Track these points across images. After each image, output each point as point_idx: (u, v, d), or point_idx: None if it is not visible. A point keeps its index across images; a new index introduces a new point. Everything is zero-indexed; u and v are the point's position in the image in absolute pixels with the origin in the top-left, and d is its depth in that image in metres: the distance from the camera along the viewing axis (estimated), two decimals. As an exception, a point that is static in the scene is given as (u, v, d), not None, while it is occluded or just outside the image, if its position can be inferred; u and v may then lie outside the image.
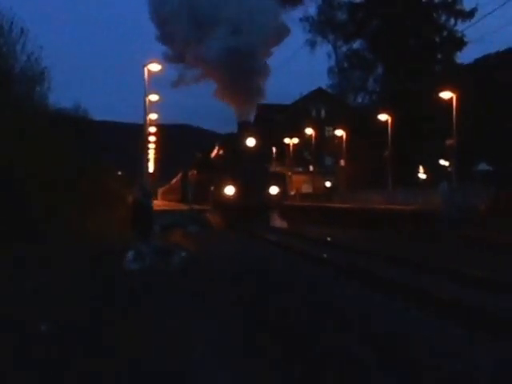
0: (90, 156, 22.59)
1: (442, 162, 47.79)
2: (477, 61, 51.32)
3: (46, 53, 16.78)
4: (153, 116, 39.56)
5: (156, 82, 34.75)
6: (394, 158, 38.96)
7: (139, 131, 36.53)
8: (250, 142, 27.27)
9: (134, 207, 16.09)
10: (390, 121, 39.45)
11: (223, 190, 26.44)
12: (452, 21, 44.83)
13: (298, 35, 42.25)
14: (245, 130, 28.80)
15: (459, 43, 44.53)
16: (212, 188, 27.83)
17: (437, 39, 46.07)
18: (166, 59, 33.34)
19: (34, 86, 17.02)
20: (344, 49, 47.31)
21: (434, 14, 45.25)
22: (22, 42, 16.12)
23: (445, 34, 45.79)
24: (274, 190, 27.35)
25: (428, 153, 45.03)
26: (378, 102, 46.08)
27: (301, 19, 44.65)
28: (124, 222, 21.37)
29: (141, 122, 36.09)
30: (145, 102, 33.13)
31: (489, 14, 28.99)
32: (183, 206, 36.12)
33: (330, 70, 49.35)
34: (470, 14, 43.06)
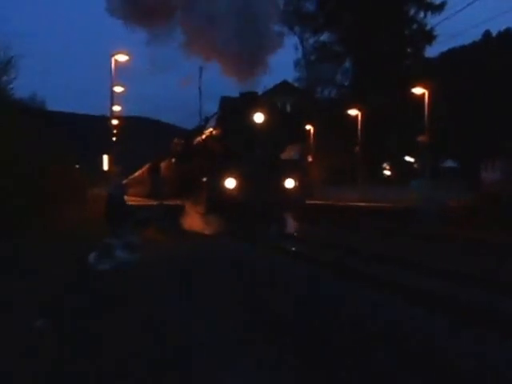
0: (50, 149, 21.92)
1: (407, 159, 47.93)
2: (442, 55, 51.70)
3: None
4: (116, 108, 38.40)
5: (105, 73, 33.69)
6: (365, 154, 38.76)
7: (98, 123, 35.73)
8: (259, 117, 20.00)
9: (109, 203, 15.57)
10: (359, 116, 39.03)
11: (221, 183, 19.16)
12: (422, 14, 45.06)
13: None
14: (251, 102, 20.89)
15: (429, 37, 44.69)
16: (204, 180, 20.46)
17: (406, 32, 46.15)
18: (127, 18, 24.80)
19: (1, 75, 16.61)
20: (311, 41, 46.86)
21: (404, 7, 45.38)
22: None
23: (414, 27, 45.88)
24: (290, 183, 19.97)
25: (395, 149, 45.09)
26: (346, 96, 45.85)
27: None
28: (87, 216, 21.38)
29: (97, 113, 35.36)
30: (112, 92, 32.50)
31: (460, 10, 28.59)
32: (153, 202, 31.75)
33: (297, 63, 48.84)
34: (440, 7, 43.40)
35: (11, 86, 18.16)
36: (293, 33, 46.56)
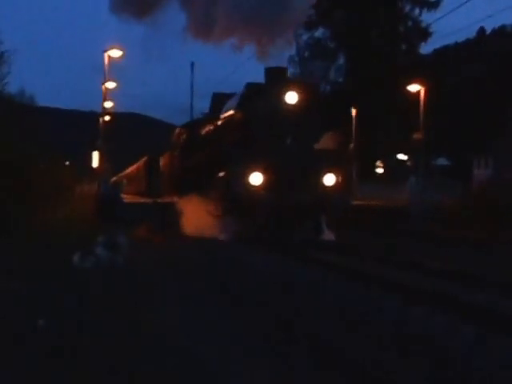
0: (38, 145, 21.72)
1: (400, 157, 47.82)
2: (436, 51, 51.74)
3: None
4: (108, 104, 38.13)
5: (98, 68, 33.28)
6: (359, 152, 38.61)
7: (91, 120, 35.45)
8: (291, 97, 16.06)
9: (100, 201, 15.24)
10: (354, 112, 38.77)
11: (243, 178, 15.51)
12: (417, 11, 45.16)
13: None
14: (281, 79, 17.33)
15: (424, 34, 44.80)
16: (220, 176, 16.64)
17: (401, 29, 46.25)
18: None
19: None
20: (305, 37, 46.70)
21: (399, 4, 45.53)
22: None
23: (409, 23, 45.92)
24: (330, 179, 16.12)
25: (389, 147, 45.05)
26: (339, 93, 45.79)
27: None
28: (75, 215, 21.12)
29: (86, 109, 35.22)
30: (104, 89, 32.29)
31: (457, 8, 28.20)
32: (149, 199, 30.06)
33: (291, 59, 48.56)
34: (435, 4, 43.50)
35: (5, 81, 18.06)
36: (286, 29, 46.49)
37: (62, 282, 9.39)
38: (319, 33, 46.95)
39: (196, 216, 18.54)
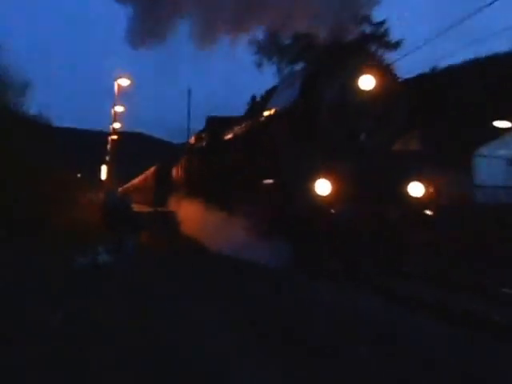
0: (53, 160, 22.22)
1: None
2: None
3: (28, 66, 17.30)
4: (116, 125, 38.90)
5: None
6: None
7: (99, 138, 36.09)
8: (367, 82, 11.28)
9: (109, 207, 15.68)
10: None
11: (305, 187, 10.58)
12: (382, 51, 45.67)
13: (245, 56, 42.14)
14: (354, 56, 11.82)
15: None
16: (268, 183, 11.75)
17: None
18: None
19: (20, 95, 17.20)
20: (287, 70, 47.44)
21: (367, 44, 46.13)
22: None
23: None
24: (416, 189, 11.19)
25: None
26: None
27: (249, 42, 44.47)
28: (84, 221, 21.48)
29: (97, 129, 35.75)
30: (114, 112, 33.10)
31: (417, 48, 28.85)
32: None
33: (273, 90, 49.49)
34: (396, 45, 43.85)
35: (27, 105, 18.82)
36: (272, 62, 47.08)
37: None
38: (299, 66, 47.57)
39: (224, 231, 13.80)
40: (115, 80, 32.51)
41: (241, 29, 15.78)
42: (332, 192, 10.50)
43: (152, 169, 40.76)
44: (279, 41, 45.26)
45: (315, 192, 10.48)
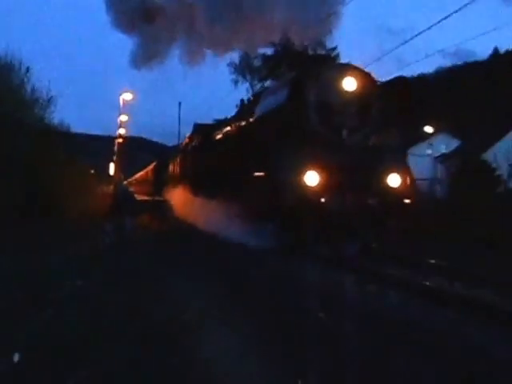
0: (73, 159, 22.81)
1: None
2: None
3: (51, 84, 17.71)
4: (121, 130, 39.80)
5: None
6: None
7: (108, 142, 37.01)
8: (350, 84, 10.79)
9: (119, 196, 16.25)
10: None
11: (295, 179, 10.02)
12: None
13: (225, 75, 43.35)
14: (338, 64, 12.90)
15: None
16: (259, 175, 11.19)
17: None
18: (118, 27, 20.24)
19: (44, 110, 17.75)
20: (258, 86, 48.55)
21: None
22: (29, 76, 16.64)
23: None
24: (394, 179, 10.63)
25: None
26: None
27: (227, 64, 45.87)
28: (100, 206, 22.31)
29: (106, 134, 36.34)
30: (119, 121, 34.00)
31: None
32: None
33: (248, 101, 50.29)
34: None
35: (52, 117, 19.39)
36: (245, 80, 48.17)
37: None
38: (268, 83, 48.62)
39: (215, 215, 13.50)
40: (120, 95, 33.40)
41: (222, 48, 16.41)
42: (320, 183, 9.84)
43: (151, 165, 41.28)
44: (251, 63, 46.67)
45: (304, 183, 9.79)
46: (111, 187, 33.13)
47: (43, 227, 12.94)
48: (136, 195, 31.85)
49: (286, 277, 7.82)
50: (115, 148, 38.87)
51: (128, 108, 36.00)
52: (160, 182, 29.39)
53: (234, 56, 44.64)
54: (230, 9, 13.45)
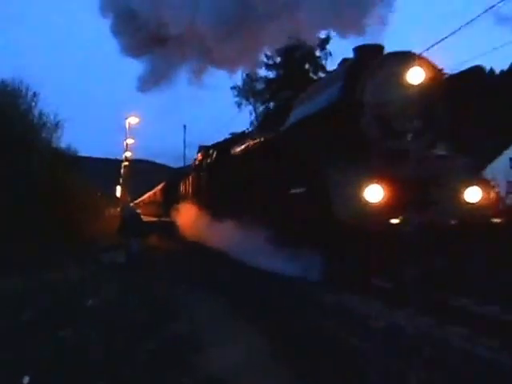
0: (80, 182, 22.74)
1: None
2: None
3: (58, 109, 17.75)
4: (127, 153, 39.92)
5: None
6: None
7: (115, 164, 36.91)
8: (416, 75, 7.97)
9: (126, 217, 16.08)
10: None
11: (353, 193, 7.34)
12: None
13: (228, 98, 43.28)
14: (397, 51, 8.60)
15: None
16: (298, 192, 8.87)
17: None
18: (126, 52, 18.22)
19: (52, 134, 17.76)
20: (261, 108, 48.60)
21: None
22: (36, 101, 16.43)
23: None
24: (473, 194, 7.85)
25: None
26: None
27: (231, 87, 46.08)
28: (107, 228, 22.23)
29: (112, 157, 36.17)
30: (126, 144, 34.04)
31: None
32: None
33: (251, 123, 50.42)
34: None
35: (59, 142, 19.35)
36: (249, 103, 48.34)
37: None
38: (270, 105, 48.71)
39: (243, 242, 11.16)
40: (126, 118, 33.49)
41: (229, 66, 15.31)
42: (385, 199, 7.41)
43: (160, 186, 39.74)
44: (254, 86, 46.84)
45: (364, 199, 7.39)
46: (118, 209, 32.92)
47: (57, 247, 13.04)
48: (143, 216, 30.83)
49: (355, 325, 5.32)
50: (122, 171, 38.76)
51: (134, 131, 36.06)
52: (170, 202, 27.78)
53: (237, 79, 44.85)
54: (238, 21, 11.52)
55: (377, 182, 7.45)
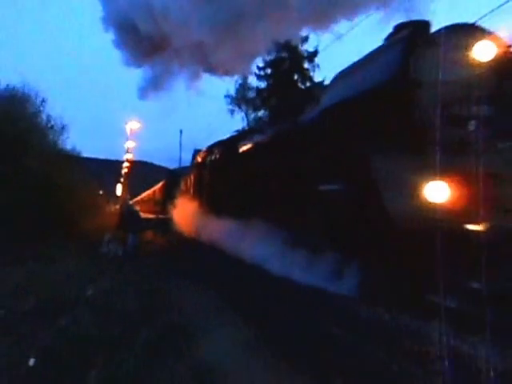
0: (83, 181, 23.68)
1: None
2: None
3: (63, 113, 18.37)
4: (128, 155, 41.84)
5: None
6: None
7: (116, 165, 38.55)
8: (485, 51, 5.23)
9: (125, 214, 16.57)
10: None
11: (415, 191, 5.32)
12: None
13: (221, 106, 45.39)
14: (463, 24, 6.63)
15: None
16: (335, 189, 7.30)
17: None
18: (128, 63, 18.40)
19: (58, 136, 18.60)
20: (252, 115, 50.19)
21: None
22: (44, 106, 17.04)
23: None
24: None
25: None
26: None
27: (224, 96, 48.04)
28: (107, 224, 22.10)
29: (114, 158, 37.55)
30: (126, 146, 35.79)
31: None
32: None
33: (243, 129, 51.94)
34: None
35: (65, 144, 19.78)
36: (241, 110, 50.21)
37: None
38: (261, 113, 50.10)
39: (257, 244, 9.84)
40: (127, 123, 35.34)
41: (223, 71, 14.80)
42: (452, 199, 5.62)
43: (159, 184, 38.69)
44: (246, 95, 48.69)
45: (425, 198, 5.57)
46: (118, 206, 34.50)
47: (59, 242, 13.19)
48: (142, 213, 30.52)
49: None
50: (122, 171, 40.38)
51: (134, 135, 37.66)
52: (170, 200, 25.86)
53: (231, 88, 46.79)
54: (229, 26, 11.28)
55: (440, 178, 5.52)
